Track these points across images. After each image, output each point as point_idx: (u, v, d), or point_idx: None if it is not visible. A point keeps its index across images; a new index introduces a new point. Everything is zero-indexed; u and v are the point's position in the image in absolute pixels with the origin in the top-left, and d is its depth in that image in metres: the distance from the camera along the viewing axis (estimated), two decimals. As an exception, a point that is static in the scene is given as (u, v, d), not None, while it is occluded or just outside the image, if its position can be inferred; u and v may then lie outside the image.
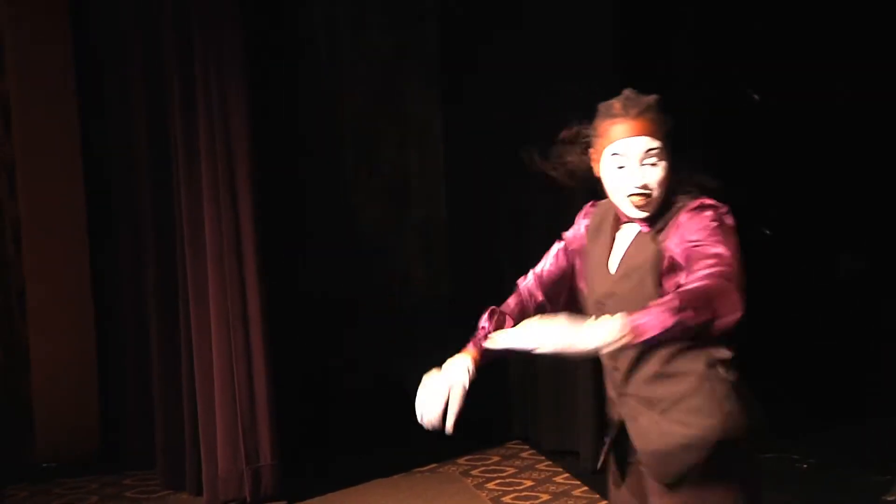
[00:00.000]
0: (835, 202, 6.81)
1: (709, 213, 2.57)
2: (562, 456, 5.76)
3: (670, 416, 2.62)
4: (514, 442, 6.10)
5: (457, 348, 7.14)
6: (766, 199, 6.70)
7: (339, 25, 7.00)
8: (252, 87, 5.16)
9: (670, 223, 2.60)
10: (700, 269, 2.45)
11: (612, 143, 2.62)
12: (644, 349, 2.55)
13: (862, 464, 5.39)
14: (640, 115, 2.61)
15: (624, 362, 2.65)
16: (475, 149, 6.69)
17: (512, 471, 5.62)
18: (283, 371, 5.47)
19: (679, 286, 2.49)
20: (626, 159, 2.60)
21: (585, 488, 5.26)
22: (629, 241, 2.69)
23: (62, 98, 5.94)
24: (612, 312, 2.39)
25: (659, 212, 2.63)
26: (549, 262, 2.93)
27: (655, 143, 2.60)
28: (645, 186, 2.59)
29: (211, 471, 5.10)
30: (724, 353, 2.64)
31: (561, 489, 5.29)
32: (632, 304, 2.46)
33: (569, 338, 2.33)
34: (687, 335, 2.39)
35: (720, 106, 6.65)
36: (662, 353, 2.60)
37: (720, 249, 2.48)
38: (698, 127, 6.25)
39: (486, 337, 2.77)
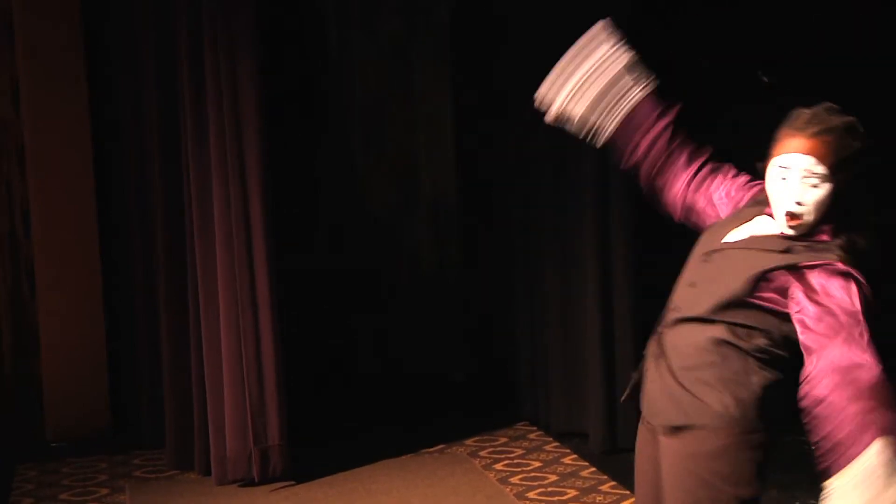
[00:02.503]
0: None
1: (854, 289, 2.53)
2: (570, 438, 5.76)
3: (681, 375, 2.68)
4: (522, 423, 6.11)
5: (467, 329, 7.17)
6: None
7: (350, 6, 6.99)
8: (261, 69, 5.15)
9: (807, 256, 2.58)
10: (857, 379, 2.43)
11: (780, 154, 2.65)
12: (701, 312, 2.65)
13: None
14: (816, 134, 2.60)
15: (685, 310, 2.70)
16: (485, 129, 6.70)
17: (520, 452, 5.63)
18: (292, 352, 5.48)
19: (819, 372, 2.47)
20: (789, 173, 2.61)
21: (593, 469, 5.27)
22: (763, 230, 2.71)
23: (72, 80, 5.94)
24: (701, 285, 2.65)
25: (805, 234, 2.63)
26: (724, 179, 2.95)
27: (820, 168, 2.59)
28: (800, 203, 2.60)
29: (219, 451, 5.12)
30: (780, 336, 2.63)
31: (569, 470, 5.29)
32: (720, 277, 2.62)
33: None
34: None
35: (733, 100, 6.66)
36: (727, 310, 2.63)
37: (868, 358, 2.46)
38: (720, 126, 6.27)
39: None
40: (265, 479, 5.11)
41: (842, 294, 2.53)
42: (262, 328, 5.10)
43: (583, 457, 5.47)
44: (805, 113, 2.66)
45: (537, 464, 5.42)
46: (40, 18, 5.86)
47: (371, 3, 7.01)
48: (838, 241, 2.62)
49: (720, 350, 2.65)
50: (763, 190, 2.75)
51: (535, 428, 6.02)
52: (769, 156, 2.70)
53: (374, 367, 6.96)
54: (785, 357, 2.66)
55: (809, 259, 2.59)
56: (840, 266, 2.56)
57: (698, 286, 2.72)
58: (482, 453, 5.63)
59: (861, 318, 2.51)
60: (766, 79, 7.05)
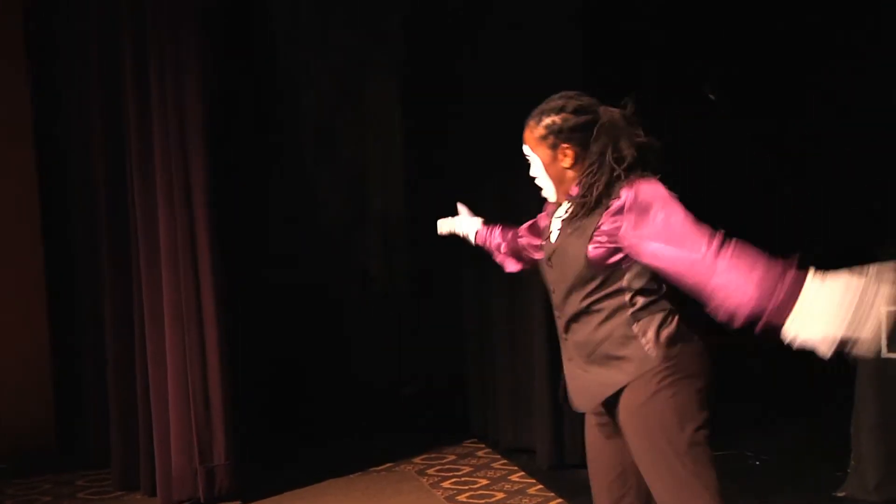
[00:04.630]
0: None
1: (646, 188, 2.86)
2: (518, 454, 5.77)
3: (592, 361, 2.95)
4: (470, 441, 6.11)
5: (416, 342, 7.15)
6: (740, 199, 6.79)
7: (301, 20, 6.99)
8: (208, 85, 5.13)
9: (599, 202, 2.90)
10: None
11: None
12: (570, 299, 2.97)
13: (814, 460, 5.44)
14: (525, 127, 3.07)
15: (562, 309, 3.01)
16: (434, 143, 6.71)
17: (468, 469, 5.63)
18: (240, 369, 5.45)
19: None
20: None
21: (540, 486, 5.27)
22: (557, 216, 3.09)
23: (15, 90, 5.90)
24: (557, 286, 2.99)
25: (581, 193, 2.96)
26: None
27: (526, 148, 3.07)
28: (534, 176, 3.08)
29: (164, 470, 5.08)
30: (640, 301, 2.91)
31: (516, 487, 5.30)
32: (564, 270, 2.96)
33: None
34: None
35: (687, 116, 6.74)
36: (585, 303, 2.94)
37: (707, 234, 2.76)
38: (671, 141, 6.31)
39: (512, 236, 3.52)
40: (211, 499, 5.07)
41: (646, 197, 2.83)
42: (207, 346, 5.07)
43: (530, 473, 5.48)
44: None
45: (485, 481, 5.42)
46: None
47: (322, 19, 7.01)
48: (606, 172, 2.93)
49: (606, 327, 2.93)
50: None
51: (483, 445, 6.03)
52: None
53: (325, 383, 6.94)
54: (654, 289, 2.92)
55: (604, 200, 2.90)
56: (626, 190, 2.86)
57: (556, 287, 3.03)
58: (430, 471, 5.62)
59: (671, 203, 2.82)
60: (712, 95, 7.14)
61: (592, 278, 2.92)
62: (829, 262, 2.76)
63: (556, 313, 3.05)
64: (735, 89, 6.89)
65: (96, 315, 5.62)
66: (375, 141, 7.11)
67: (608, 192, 2.90)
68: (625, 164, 2.91)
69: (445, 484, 5.39)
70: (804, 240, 6.83)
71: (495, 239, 3.62)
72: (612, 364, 2.92)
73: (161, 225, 5.06)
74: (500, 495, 5.18)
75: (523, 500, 5.11)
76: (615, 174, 2.91)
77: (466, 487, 5.33)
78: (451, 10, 6.33)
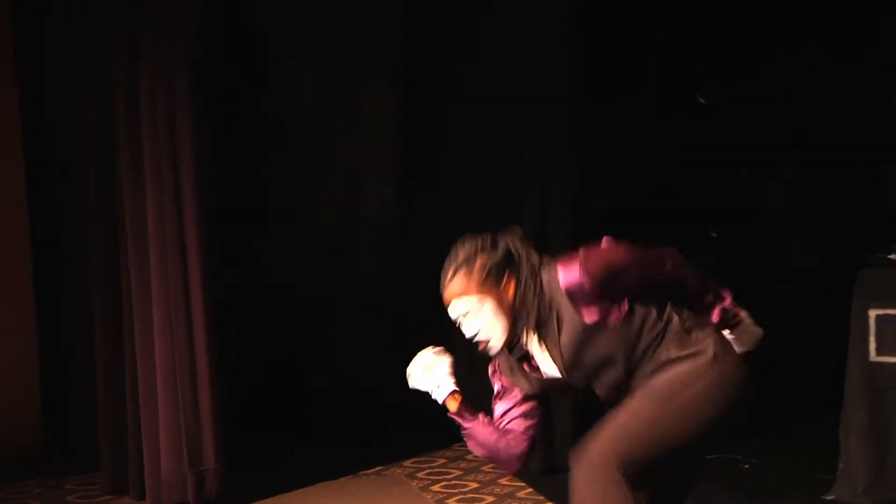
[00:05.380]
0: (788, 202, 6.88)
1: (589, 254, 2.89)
2: (508, 458, 5.76)
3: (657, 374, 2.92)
4: (459, 444, 6.09)
5: (406, 348, 7.15)
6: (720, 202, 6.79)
7: (296, 23, 6.98)
8: (198, 87, 5.11)
9: (554, 290, 2.89)
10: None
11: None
12: (616, 372, 2.93)
13: (803, 463, 5.45)
14: (450, 280, 2.95)
15: (613, 389, 2.97)
16: (428, 149, 6.71)
17: (457, 473, 5.63)
18: (230, 373, 5.45)
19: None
20: (457, 321, 2.98)
21: (530, 490, 5.27)
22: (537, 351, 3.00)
23: (2, 85, 5.88)
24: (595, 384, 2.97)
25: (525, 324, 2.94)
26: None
27: (470, 302, 2.94)
28: (476, 336, 2.96)
29: (154, 474, 5.06)
30: (676, 318, 2.95)
31: (506, 491, 5.30)
32: (595, 364, 2.94)
33: None
34: None
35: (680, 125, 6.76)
36: (626, 355, 2.91)
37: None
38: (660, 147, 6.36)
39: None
40: (201, 503, 5.06)
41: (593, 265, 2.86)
42: (197, 349, 5.06)
43: (520, 477, 5.47)
44: (444, 270, 2.99)
45: (475, 485, 5.42)
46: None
47: (318, 21, 7.00)
48: (535, 277, 2.93)
49: (665, 351, 2.92)
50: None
51: (473, 448, 6.02)
52: None
53: (316, 387, 6.93)
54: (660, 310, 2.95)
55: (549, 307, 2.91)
56: (563, 265, 2.89)
57: (592, 382, 2.98)
58: (420, 474, 5.62)
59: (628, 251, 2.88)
60: (702, 99, 7.16)
61: (619, 342, 2.91)
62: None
63: (605, 397, 3.00)
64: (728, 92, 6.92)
65: (85, 318, 5.60)
66: (370, 144, 7.11)
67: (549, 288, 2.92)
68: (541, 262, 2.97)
69: (436, 487, 5.39)
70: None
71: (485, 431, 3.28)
72: (684, 362, 2.90)
73: (150, 227, 5.04)
74: (491, 499, 5.19)
75: (513, 503, 5.11)
76: (539, 276, 2.94)
77: (457, 491, 5.33)
78: (448, 13, 6.34)
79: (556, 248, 5.53)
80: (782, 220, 6.97)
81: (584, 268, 2.83)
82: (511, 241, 3.01)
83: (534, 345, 3.00)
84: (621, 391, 2.95)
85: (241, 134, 6.58)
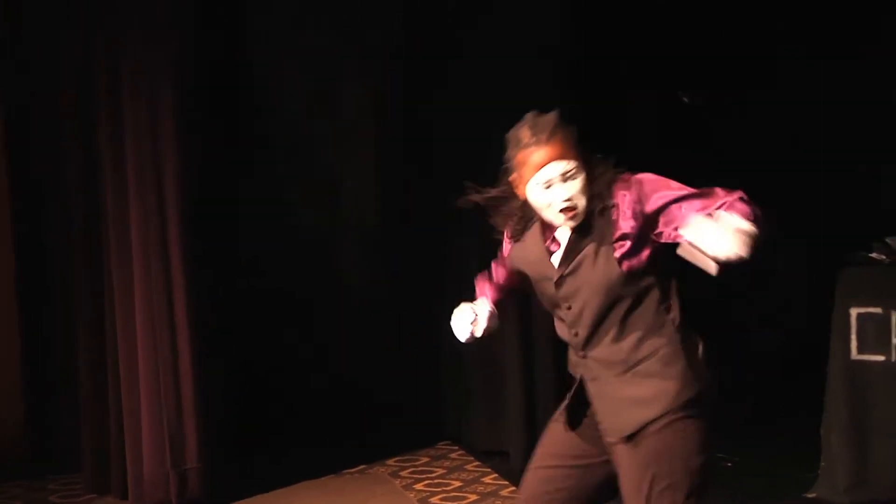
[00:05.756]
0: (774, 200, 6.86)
1: (640, 178, 2.85)
2: (491, 456, 5.78)
3: (624, 378, 2.87)
4: (444, 443, 6.11)
5: (390, 348, 7.12)
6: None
7: (279, 24, 6.96)
8: (181, 86, 5.11)
9: (610, 197, 2.83)
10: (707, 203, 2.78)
11: (534, 172, 2.86)
12: (601, 315, 2.86)
13: (785, 461, 5.47)
14: (549, 139, 2.85)
15: (583, 328, 2.90)
16: (408, 150, 6.71)
17: (441, 471, 5.63)
18: (212, 372, 5.43)
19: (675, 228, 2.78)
20: (550, 182, 2.84)
21: (513, 488, 5.27)
22: (566, 237, 2.92)
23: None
24: (575, 300, 2.87)
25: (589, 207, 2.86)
26: (496, 273, 3.31)
27: (571, 164, 2.85)
28: (570, 199, 2.84)
29: (136, 474, 5.07)
30: (675, 314, 2.90)
31: (489, 489, 5.31)
32: (586, 285, 2.85)
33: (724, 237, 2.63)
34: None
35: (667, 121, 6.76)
36: (617, 316, 2.86)
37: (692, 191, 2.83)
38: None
39: (495, 287, 3.29)
40: (183, 502, 5.06)
41: (651, 189, 2.82)
42: (180, 349, 5.06)
43: (503, 475, 5.48)
44: (523, 130, 2.90)
45: (458, 483, 5.42)
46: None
47: (298, 23, 6.98)
48: (605, 180, 2.87)
49: (649, 342, 2.86)
50: (514, 224, 3.03)
51: (457, 447, 6.03)
52: (512, 179, 2.94)
53: (299, 386, 6.91)
54: (679, 300, 2.91)
55: (614, 208, 2.83)
56: (623, 183, 2.84)
57: (573, 304, 2.91)
58: (403, 473, 5.63)
59: (671, 185, 2.84)
60: (686, 98, 7.16)
61: (624, 291, 2.85)
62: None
63: (571, 331, 2.94)
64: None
65: (67, 319, 5.59)
66: (352, 146, 7.10)
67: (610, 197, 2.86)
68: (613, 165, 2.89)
69: (418, 486, 5.40)
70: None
71: (496, 292, 3.33)
72: (652, 382, 2.85)
73: (133, 228, 5.05)
74: (473, 497, 5.19)
75: (496, 501, 5.12)
76: (608, 178, 2.87)
77: (440, 489, 5.33)
78: (431, 15, 6.34)
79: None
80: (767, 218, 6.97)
81: (645, 185, 2.82)
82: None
83: (563, 231, 2.93)
84: (585, 339, 2.90)
85: (225, 137, 6.55)
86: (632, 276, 2.84)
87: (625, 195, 2.82)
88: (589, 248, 2.86)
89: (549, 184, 2.84)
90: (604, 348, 2.90)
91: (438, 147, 6.27)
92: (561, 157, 2.85)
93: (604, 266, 2.84)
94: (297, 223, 6.99)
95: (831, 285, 4.94)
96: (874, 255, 4.95)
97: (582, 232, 2.88)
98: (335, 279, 7.03)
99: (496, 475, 5.52)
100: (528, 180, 2.88)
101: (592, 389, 2.94)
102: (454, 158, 6.00)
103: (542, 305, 3.06)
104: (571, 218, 2.86)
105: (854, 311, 4.87)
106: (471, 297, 3.27)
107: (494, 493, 5.23)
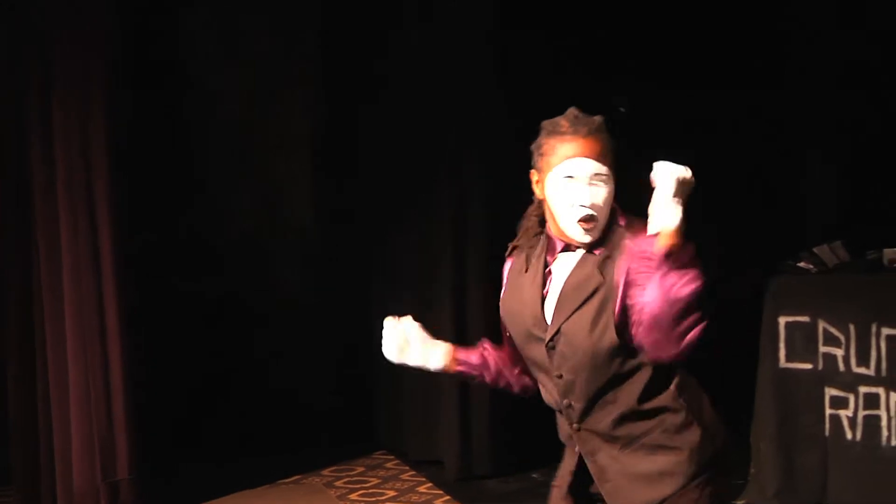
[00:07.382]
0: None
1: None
2: (426, 465, 5.79)
3: (628, 452, 2.59)
4: (380, 452, 6.11)
5: (325, 356, 7.08)
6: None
7: (214, 26, 6.93)
8: (114, 90, 5.08)
9: (619, 247, 2.54)
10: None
11: (561, 162, 2.54)
12: (598, 387, 2.55)
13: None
14: (589, 134, 2.54)
15: (578, 399, 2.59)
16: (348, 155, 6.71)
17: (376, 481, 5.63)
18: (145, 383, 5.39)
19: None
20: (575, 179, 2.54)
21: (448, 497, 5.30)
22: (569, 266, 2.60)
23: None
24: (566, 368, 2.54)
25: (603, 235, 2.57)
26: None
27: (604, 168, 2.55)
28: (593, 206, 2.52)
29: (66, 486, 5.01)
30: (678, 377, 2.61)
31: (424, 499, 5.31)
32: (578, 350, 2.53)
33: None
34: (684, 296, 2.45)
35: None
36: (617, 385, 2.56)
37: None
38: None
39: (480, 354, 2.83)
40: (115, 514, 5.02)
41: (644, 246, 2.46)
42: (111, 359, 5.02)
43: (438, 485, 5.49)
44: (563, 119, 2.59)
45: (393, 493, 5.42)
46: None
47: (236, 26, 6.95)
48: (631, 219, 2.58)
49: (653, 409, 2.58)
50: (510, 254, 2.74)
51: (392, 456, 6.03)
52: (533, 172, 2.63)
53: (235, 396, 6.88)
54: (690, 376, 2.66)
55: (615, 246, 2.55)
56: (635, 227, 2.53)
57: (566, 372, 2.59)
58: (338, 483, 5.62)
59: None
60: (622, 108, 7.22)
61: (624, 351, 2.52)
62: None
63: (563, 401, 2.61)
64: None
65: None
66: (288, 152, 7.08)
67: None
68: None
69: (353, 496, 5.39)
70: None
71: (492, 364, 2.85)
72: (661, 456, 2.57)
73: (63, 237, 4.99)
74: (408, 507, 5.21)
75: (430, 511, 5.15)
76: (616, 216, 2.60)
77: (374, 499, 5.33)
78: (367, 18, 6.35)
79: (473, 258, 5.64)
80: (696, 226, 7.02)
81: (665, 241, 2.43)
82: None
83: (564, 261, 2.61)
84: (582, 412, 2.59)
85: (156, 141, 6.51)
86: (630, 344, 2.52)
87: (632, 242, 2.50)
88: (589, 306, 2.55)
89: (574, 178, 2.53)
90: (602, 421, 2.59)
91: (364, 148, 6.30)
92: (596, 156, 2.53)
93: (603, 331, 2.52)
94: (233, 229, 6.95)
95: (760, 294, 5.01)
96: (802, 264, 5.03)
97: (585, 267, 2.57)
98: (271, 288, 7.00)
99: (431, 484, 5.53)
100: (551, 169, 2.56)
101: (593, 466, 2.63)
102: (383, 159, 6.03)
103: (526, 363, 2.72)
104: (589, 231, 2.54)
105: (782, 320, 4.94)
106: (408, 309, 3.04)
107: (429, 503, 5.24)
